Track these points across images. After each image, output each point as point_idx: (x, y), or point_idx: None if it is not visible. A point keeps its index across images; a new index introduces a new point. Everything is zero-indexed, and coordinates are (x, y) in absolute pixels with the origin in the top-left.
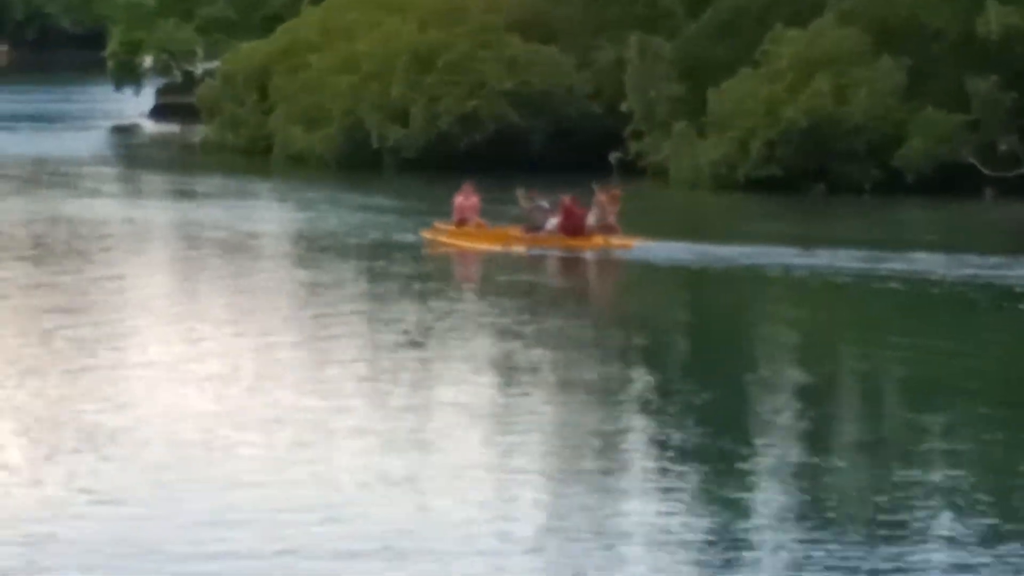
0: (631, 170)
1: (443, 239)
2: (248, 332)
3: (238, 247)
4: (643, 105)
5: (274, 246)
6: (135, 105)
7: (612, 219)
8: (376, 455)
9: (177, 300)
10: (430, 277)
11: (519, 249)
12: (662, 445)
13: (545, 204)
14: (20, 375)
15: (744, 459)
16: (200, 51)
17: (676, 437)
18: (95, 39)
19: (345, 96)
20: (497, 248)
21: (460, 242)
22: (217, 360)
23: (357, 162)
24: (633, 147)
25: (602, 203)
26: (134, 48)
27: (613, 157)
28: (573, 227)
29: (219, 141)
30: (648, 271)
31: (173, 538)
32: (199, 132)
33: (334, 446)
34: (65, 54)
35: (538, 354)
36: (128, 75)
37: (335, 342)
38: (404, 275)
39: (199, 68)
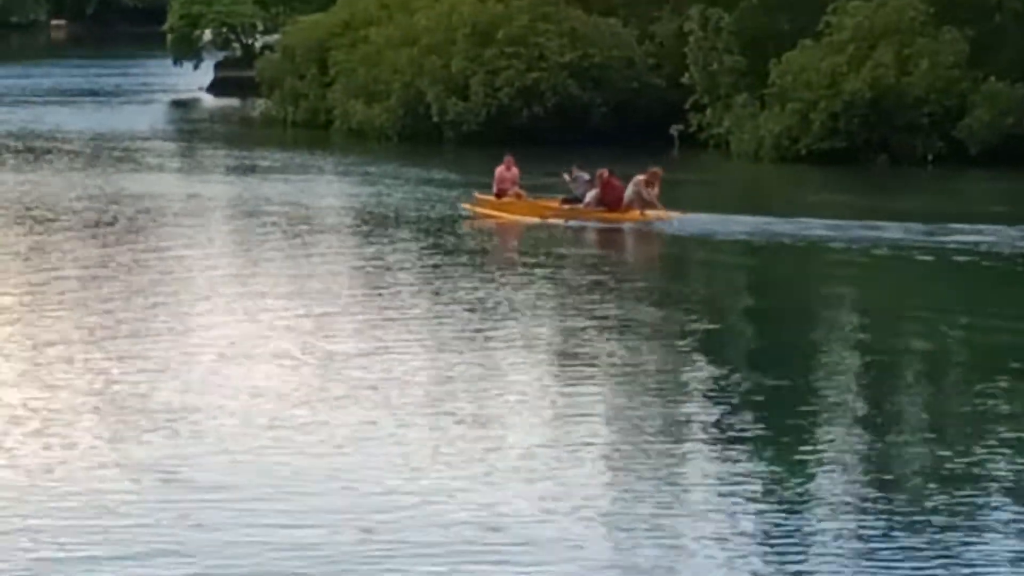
0: (692, 143)
1: (481, 210)
2: (314, 309)
3: (301, 222)
4: (704, 77)
5: (336, 221)
6: (194, 79)
7: (650, 196)
8: (445, 435)
9: (241, 276)
10: (484, 251)
11: (556, 221)
12: (723, 426)
13: (586, 176)
14: (86, 353)
15: (807, 441)
16: (259, 24)
17: (738, 418)
18: (154, 13)
19: (405, 69)
20: (535, 220)
21: (498, 213)
22: (284, 337)
23: (417, 135)
24: (694, 120)
25: (640, 182)
26: (193, 21)
27: (674, 130)
28: (611, 200)
29: (279, 115)
30: (691, 244)
31: (247, 520)
32: (258, 106)
33: (403, 426)
34: (124, 28)
35: (598, 334)
36: (187, 49)
37: (398, 318)
38: (465, 249)
39: (258, 41)
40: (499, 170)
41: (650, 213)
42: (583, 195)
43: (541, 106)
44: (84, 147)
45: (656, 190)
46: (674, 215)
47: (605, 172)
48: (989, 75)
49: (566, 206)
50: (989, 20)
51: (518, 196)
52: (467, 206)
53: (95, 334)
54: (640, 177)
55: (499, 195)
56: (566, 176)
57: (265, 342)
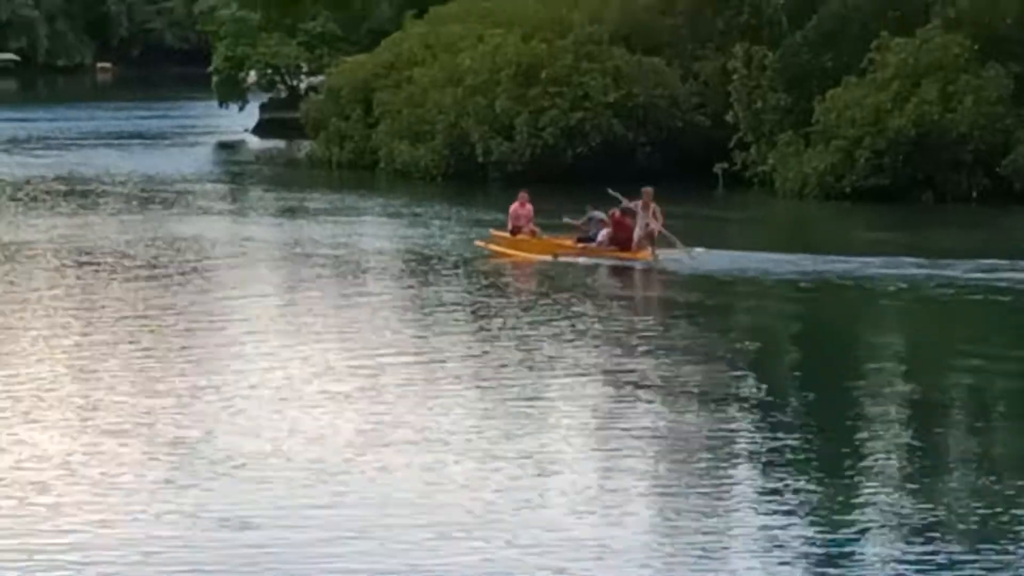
0: (737, 181)
1: (495, 247)
2: (364, 351)
3: (349, 264)
4: (749, 115)
5: (384, 262)
6: (239, 121)
7: (654, 224)
8: (498, 473)
9: (292, 319)
10: (532, 291)
11: (568, 259)
12: (766, 458)
13: (600, 215)
14: (137, 396)
15: (851, 471)
16: (304, 66)
17: (780, 449)
18: (199, 55)
19: (449, 110)
20: (548, 257)
21: (512, 251)
22: (335, 379)
23: (462, 175)
24: (739, 158)
25: (639, 208)
26: (238, 63)
27: (719, 168)
28: (623, 239)
29: (324, 156)
30: (709, 282)
31: (300, 564)
32: (304, 147)
33: (452, 463)
34: (169, 70)
35: (640, 364)
36: (232, 91)
37: (448, 359)
38: (508, 289)
39: (303, 83)
40: (513, 207)
41: (661, 252)
42: (596, 234)
43: (586, 145)
44: (132, 190)
45: (654, 211)
46: (697, 250)
47: (617, 212)
48: None
49: (579, 245)
50: None
51: (532, 233)
52: (481, 243)
53: (148, 379)
54: (637, 203)
55: (514, 232)
56: (567, 219)
57: (317, 384)
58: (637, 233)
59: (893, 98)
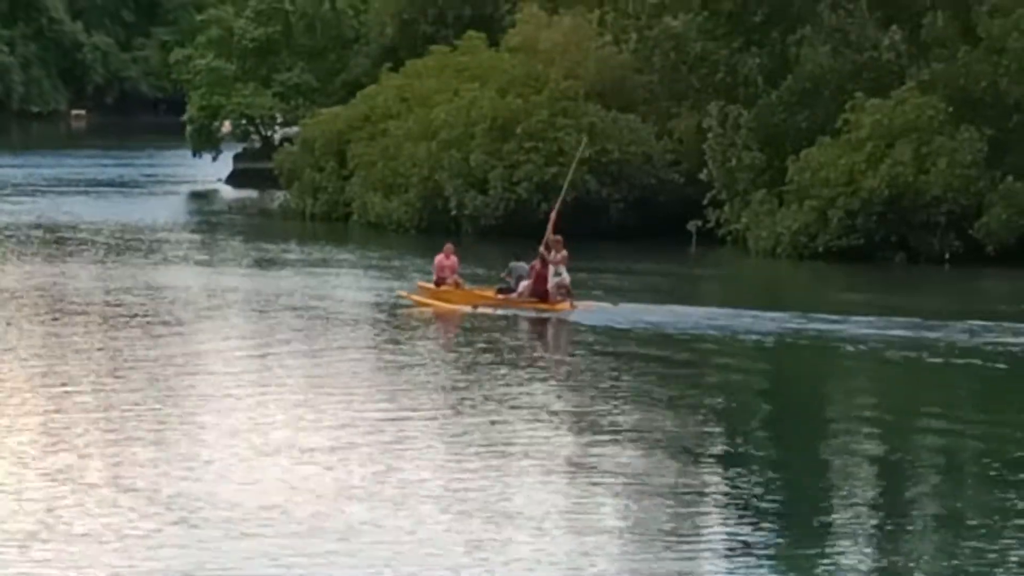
0: (710, 239)
1: (417, 298)
2: (336, 404)
3: (321, 316)
4: (723, 174)
5: (356, 314)
6: (213, 170)
7: (564, 273)
8: (495, 527)
9: (264, 371)
10: (504, 344)
11: (487, 309)
12: (726, 511)
13: (524, 265)
14: (109, 447)
15: (808, 526)
16: (279, 117)
17: (742, 501)
18: (174, 104)
19: (424, 163)
20: (467, 308)
21: (434, 301)
22: (306, 431)
23: (435, 228)
24: (712, 216)
25: (554, 260)
26: (212, 113)
27: (692, 226)
28: (542, 291)
29: (298, 207)
30: (686, 339)
31: None
32: (277, 198)
33: (448, 518)
34: (144, 119)
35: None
36: (206, 140)
37: (420, 409)
38: (491, 342)
39: (277, 134)
40: (439, 259)
41: (579, 304)
42: (515, 286)
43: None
44: (106, 238)
45: (563, 259)
46: (600, 305)
47: (537, 263)
48: (1007, 174)
49: (500, 296)
50: (1007, 119)
51: (456, 285)
52: (403, 293)
53: (120, 430)
54: (550, 253)
55: (438, 283)
56: (504, 275)
57: (291, 436)
58: (551, 283)
59: (867, 159)
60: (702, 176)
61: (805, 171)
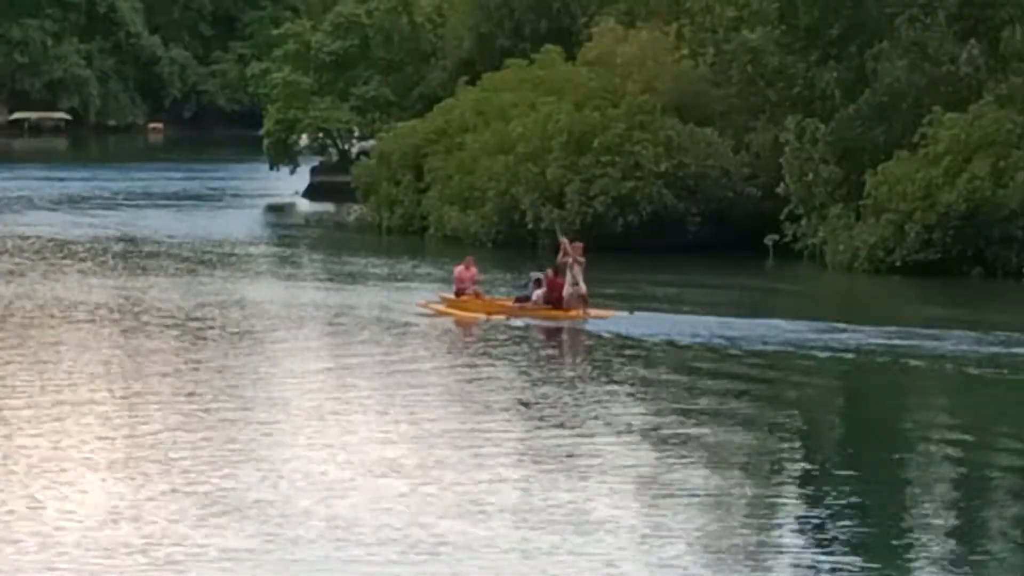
0: (787, 253)
1: (436, 307)
2: (409, 417)
3: (397, 330)
4: (800, 188)
5: (431, 327)
6: (290, 184)
7: (581, 280)
8: (577, 539)
9: (340, 385)
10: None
11: (499, 317)
12: (801, 529)
13: (540, 275)
14: (190, 457)
15: (889, 549)
16: (355, 130)
17: (818, 521)
18: (251, 117)
19: (500, 176)
20: (482, 316)
21: (450, 311)
22: (390, 446)
23: (511, 242)
24: (789, 230)
25: (571, 265)
26: (289, 126)
27: (769, 240)
28: (555, 299)
29: (374, 221)
30: (764, 352)
31: None
32: (354, 212)
33: (527, 532)
34: (220, 132)
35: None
36: (283, 154)
37: (493, 424)
38: (558, 354)
39: (354, 147)
40: (458, 270)
41: (592, 312)
42: (531, 294)
43: (636, 215)
44: (182, 251)
45: (584, 267)
46: (612, 314)
47: (551, 272)
48: None
49: (516, 305)
50: None
51: (476, 295)
52: (420, 303)
53: (198, 438)
54: (567, 259)
55: (458, 294)
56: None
57: (370, 450)
58: (567, 291)
59: (944, 173)
60: (779, 190)
61: (882, 185)
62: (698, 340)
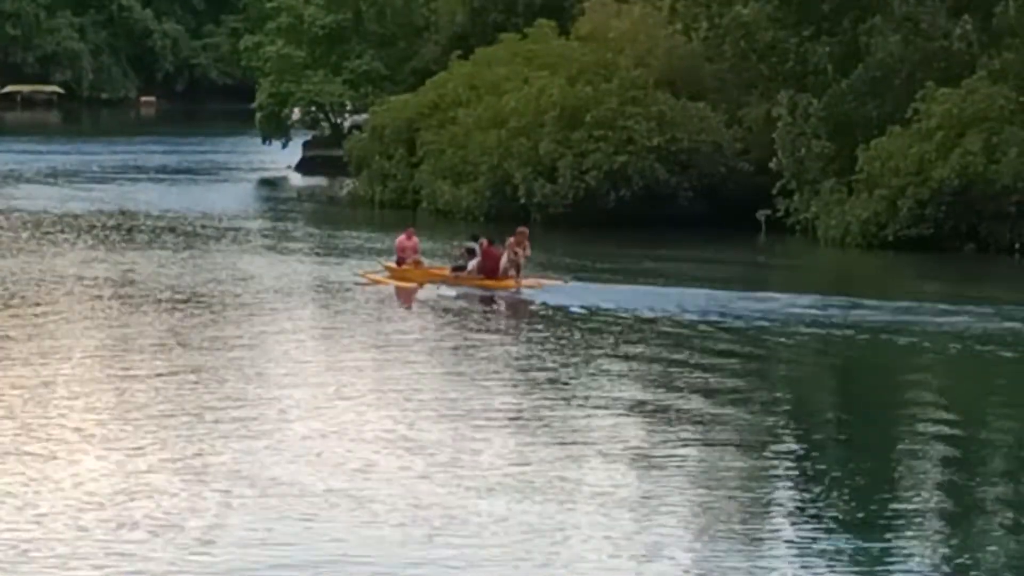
0: (779, 228)
1: (373, 276)
2: (407, 389)
3: (390, 303)
4: (792, 163)
5: (424, 300)
6: (282, 157)
7: (521, 259)
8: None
9: (333, 360)
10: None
11: (432, 285)
12: (792, 507)
13: (474, 245)
14: (181, 428)
15: (880, 525)
16: (348, 104)
17: (809, 500)
18: (243, 91)
19: (493, 151)
20: (415, 285)
21: (385, 279)
22: (393, 421)
23: (504, 217)
24: (782, 205)
25: (511, 245)
26: (282, 100)
27: (761, 215)
28: (490, 268)
29: (366, 195)
30: (759, 327)
31: None
32: (346, 185)
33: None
34: (213, 106)
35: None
36: (275, 127)
37: (491, 397)
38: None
39: (347, 121)
40: (400, 239)
41: (524, 282)
42: (466, 264)
43: (628, 189)
44: (175, 225)
45: (526, 251)
46: (544, 283)
47: (485, 241)
48: None
49: (453, 274)
50: None
51: (416, 264)
52: (360, 272)
53: (191, 414)
54: (510, 240)
55: (399, 263)
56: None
57: (354, 422)
58: (503, 262)
59: (937, 148)
60: (771, 165)
61: (875, 160)
62: (632, 309)
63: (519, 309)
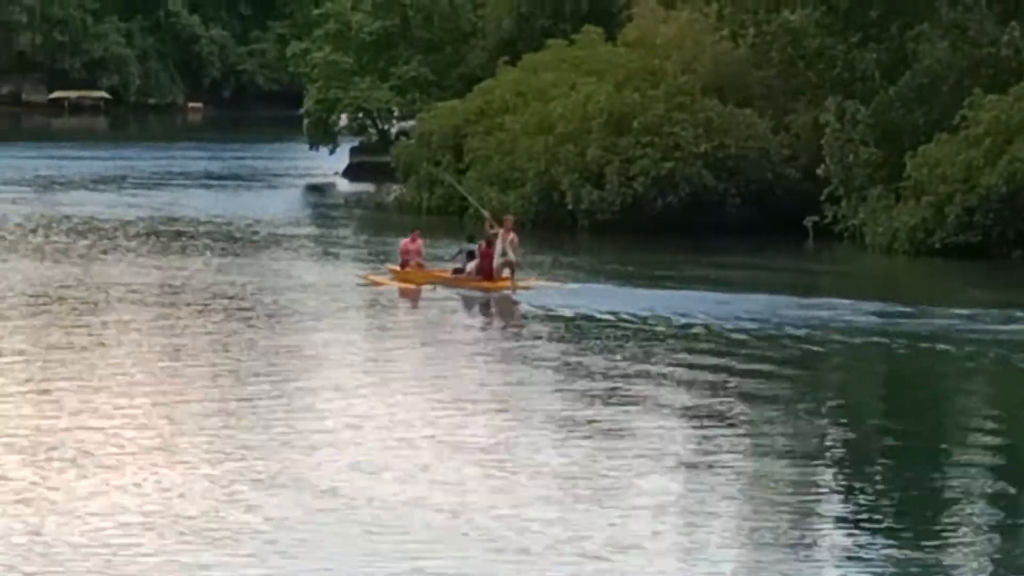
0: (827, 234)
1: (375, 279)
2: (453, 397)
3: (437, 309)
4: (840, 169)
5: (469, 306)
6: (330, 163)
7: (512, 254)
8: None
9: (384, 365)
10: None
11: (428, 286)
12: (838, 514)
13: (473, 248)
14: (224, 431)
15: (928, 532)
16: (396, 110)
17: (860, 505)
18: (290, 97)
19: (540, 157)
20: (410, 286)
21: (385, 281)
22: (431, 425)
23: (551, 223)
24: (829, 211)
25: (503, 235)
26: (330, 106)
27: (808, 221)
28: (487, 269)
29: (413, 201)
30: (808, 333)
31: None
32: (393, 192)
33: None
34: (260, 112)
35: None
36: (323, 133)
37: (536, 402)
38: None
39: (394, 127)
40: (404, 243)
41: (520, 283)
42: (465, 266)
43: (675, 195)
44: (224, 231)
45: (512, 240)
46: (547, 284)
47: (483, 244)
48: None
49: (452, 276)
50: None
51: (419, 266)
52: (363, 275)
53: (242, 419)
54: (500, 231)
55: (403, 265)
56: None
57: (412, 426)
58: (496, 262)
59: (985, 155)
60: (819, 171)
61: (922, 167)
62: (635, 313)
63: (569, 315)
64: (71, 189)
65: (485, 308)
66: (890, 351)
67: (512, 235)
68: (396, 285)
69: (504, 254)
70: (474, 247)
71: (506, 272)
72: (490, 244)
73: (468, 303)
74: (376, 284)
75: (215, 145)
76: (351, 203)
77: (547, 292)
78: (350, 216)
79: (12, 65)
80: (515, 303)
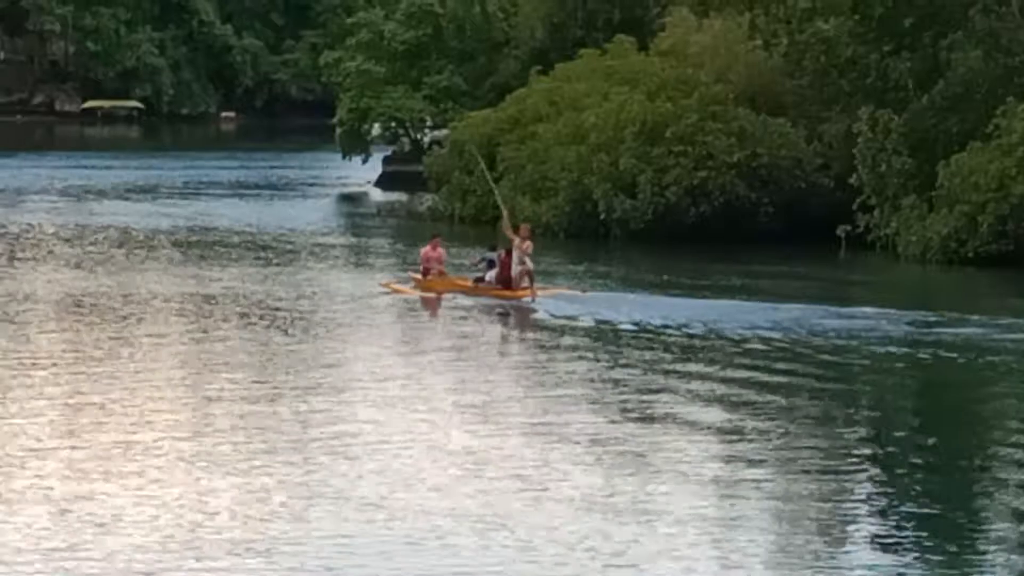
0: (860, 244)
1: (395, 287)
2: (487, 408)
3: (468, 319)
4: (873, 178)
5: (501, 317)
6: (362, 173)
7: (528, 261)
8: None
9: (410, 377)
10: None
11: (448, 295)
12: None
13: (493, 256)
14: (269, 447)
15: (961, 545)
16: (428, 120)
17: (895, 513)
18: (323, 106)
19: (573, 166)
20: (431, 294)
21: (405, 289)
22: (462, 437)
23: (584, 232)
24: (862, 220)
25: (519, 244)
26: (362, 115)
27: (842, 230)
28: (507, 278)
29: (446, 210)
30: (840, 342)
31: None
32: (426, 201)
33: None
34: (292, 121)
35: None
36: (356, 143)
37: (566, 416)
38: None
39: (427, 136)
40: (425, 250)
41: (540, 291)
42: (485, 274)
43: (708, 205)
44: (257, 241)
45: (527, 244)
46: (568, 292)
47: (503, 252)
48: None
49: (473, 284)
50: None
51: (440, 274)
52: (383, 283)
53: (278, 430)
54: (516, 239)
55: (424, 273)
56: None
57: (461, 442)
58: (514, 271)
59: (1018, 164)
60: (852, 181)
61: (955, 176)
62: (654, 321)
63: (599, 325)
64: (104, 199)
65: (507, 318)
66: (924, 361)
67: (528, 243)
68: (417, 294)
69: (522, 263)
70: (495, 255)
71: (526, 281)
72: (509, 253)
73: (490, 313)
74: (398, 292)
75: (248, 155)
76: (384, 212)
77: (575, 301)
78: (383, 225)
79: (45, 75)
80: (538, 312)
